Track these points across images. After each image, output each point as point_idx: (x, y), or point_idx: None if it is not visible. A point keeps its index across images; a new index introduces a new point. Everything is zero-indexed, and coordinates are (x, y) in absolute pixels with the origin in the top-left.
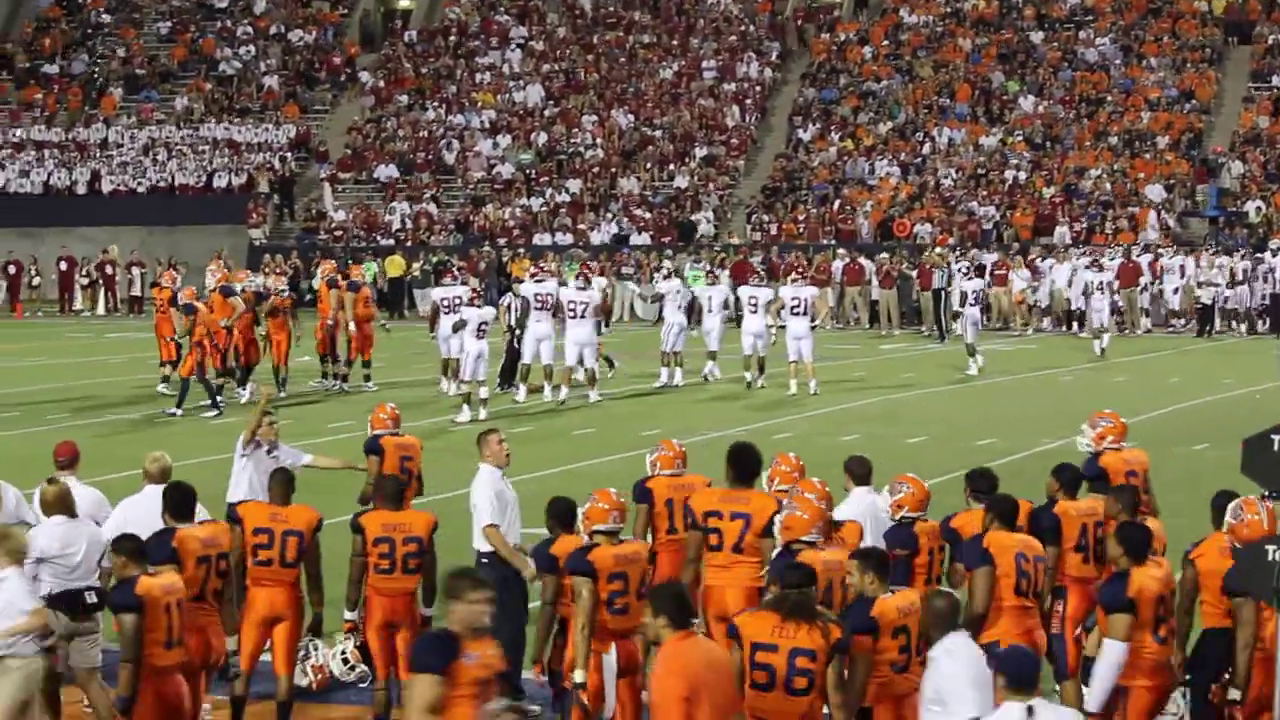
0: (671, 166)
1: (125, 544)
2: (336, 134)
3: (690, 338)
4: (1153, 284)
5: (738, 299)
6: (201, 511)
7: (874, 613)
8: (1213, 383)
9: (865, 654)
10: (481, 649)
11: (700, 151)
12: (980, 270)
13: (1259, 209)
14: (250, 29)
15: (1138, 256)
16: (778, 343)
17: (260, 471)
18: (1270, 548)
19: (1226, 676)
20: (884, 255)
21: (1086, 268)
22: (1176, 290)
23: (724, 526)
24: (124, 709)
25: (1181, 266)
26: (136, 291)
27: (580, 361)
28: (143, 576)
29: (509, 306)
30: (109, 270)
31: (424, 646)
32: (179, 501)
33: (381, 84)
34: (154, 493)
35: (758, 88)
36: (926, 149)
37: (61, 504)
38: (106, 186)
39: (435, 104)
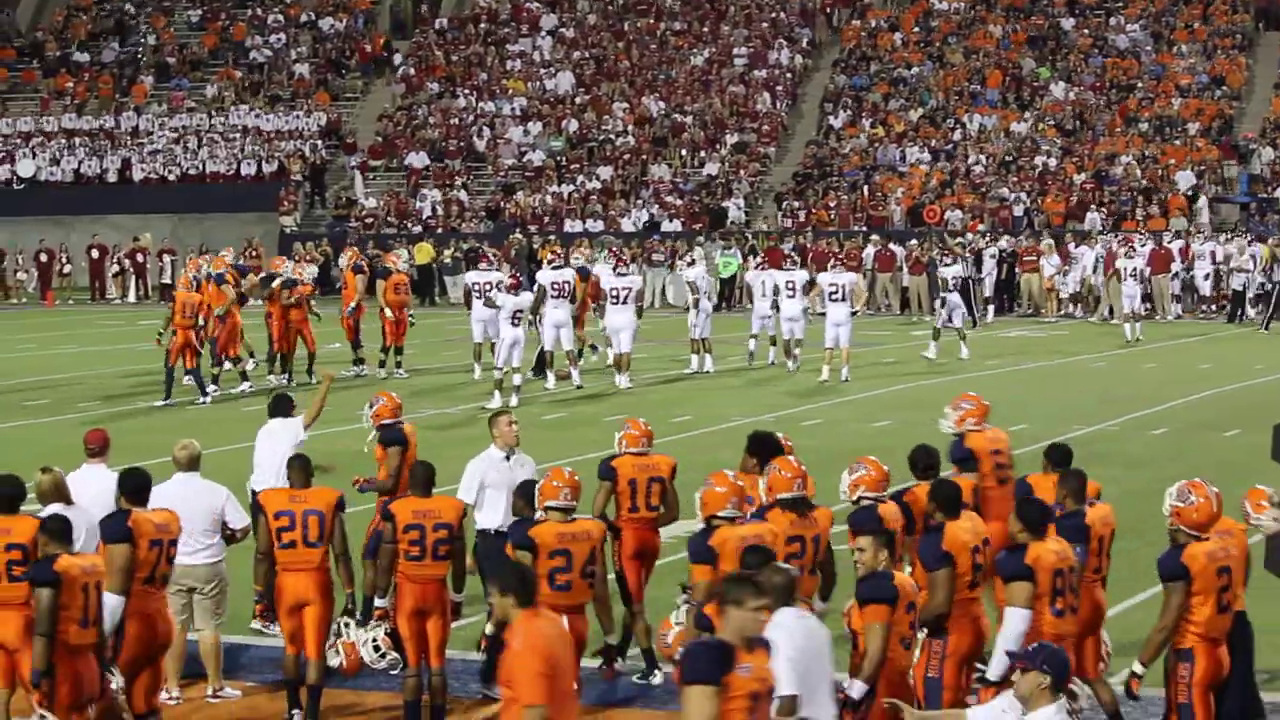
0: (702, 153)
1: (51, 524)
2: (367, 122)
3: (716, 323)
4: (1184, 270)
5: (776, 285)
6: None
7: (896, 582)
8: (1243, 369)
9: (883, 622)
10: (755, 660)
11: (731, 138)
12: (978, 257)
13: None
14: (281, 16)
15: (1168, 243)
16: (814, 327)
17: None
18: None
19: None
20: (913, 242)
21: (1118, 254)
22: (1207, 276)
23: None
24: (36, 682)
25: (1212, 253)
26: (168, 279)
27: (618, 346)
28: (63, 555)
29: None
30: (140, 258)
31: (698, 657)
32: (135, 486)
33: (412, 71)
34: (183, 480)
35: (788, 74)
36: (957, 135)
37: (57, 492)
38: (137, 175)
39: (466, 91)
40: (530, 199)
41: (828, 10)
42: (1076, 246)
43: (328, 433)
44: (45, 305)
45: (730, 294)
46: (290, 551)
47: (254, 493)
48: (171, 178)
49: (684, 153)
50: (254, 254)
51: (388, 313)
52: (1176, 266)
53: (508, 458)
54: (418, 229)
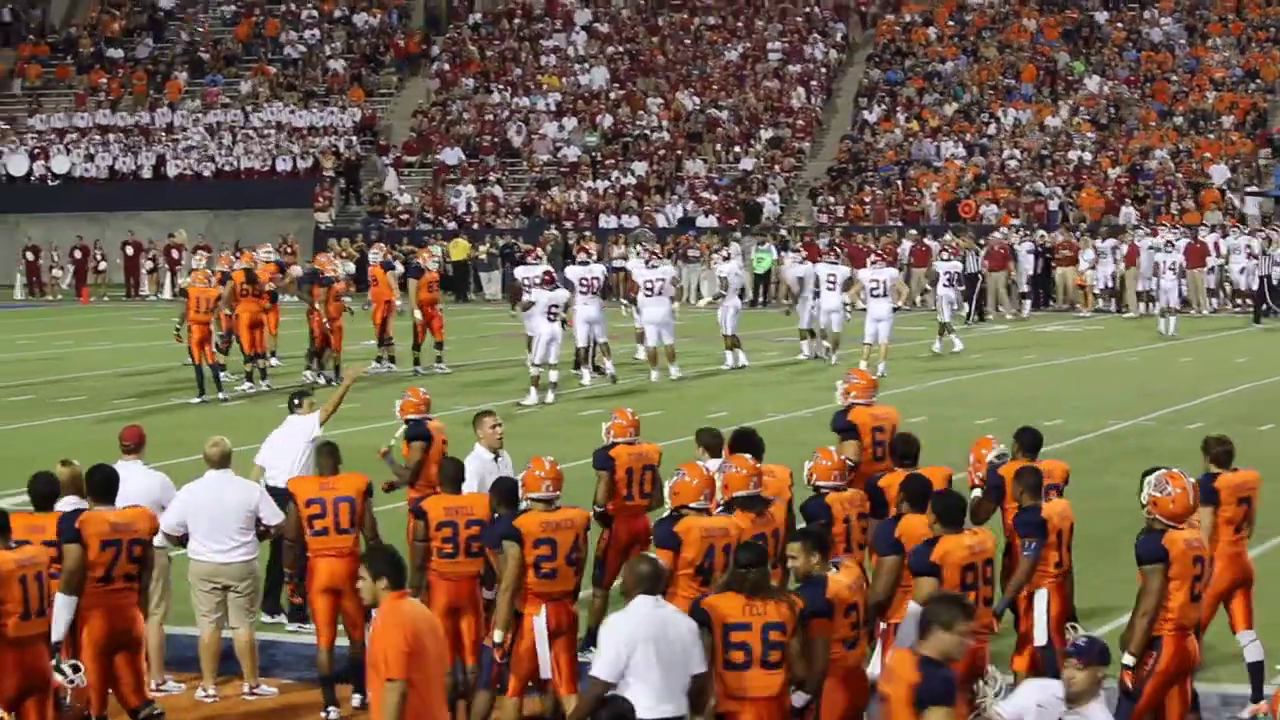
0: (737, 148)
1: None
2: (402, 117)
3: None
4: (1219, 264)
5: (816, 277)
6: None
7: (829, 595)
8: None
9: (825, 634)
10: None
11: (766, 133)
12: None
13: None
14: (315, 12)
15: (1204, 237)
16: (853, 322)
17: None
18: None
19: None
20: (948, 236)
21: (1153, 248)
22: (1243, 270)
23: None
24: None
25: (1247, 246)
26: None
27: (658, 339)
28: None
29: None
30: (175, 255)
31: (935, 681)
32: (100, 483)
33: (446, 67)
34: (216, 477)
35: (823, 69)
36: (992, 130)
37: (74, 485)
38: (172, 171)
39: (500, 87)
40: (565, 195)
41: (862, 5)
42: (1104, 241)
43: (349, 431)
44: (80, 302)
45: (765, 289)
46: (323, 539)
47: (273, 489)
48: (206, 174)
49: (719, 148)
50: (289, 250)
51: (417, 314)
52: (1211, 260)
53: (496, 458)
54: (452, 225)
